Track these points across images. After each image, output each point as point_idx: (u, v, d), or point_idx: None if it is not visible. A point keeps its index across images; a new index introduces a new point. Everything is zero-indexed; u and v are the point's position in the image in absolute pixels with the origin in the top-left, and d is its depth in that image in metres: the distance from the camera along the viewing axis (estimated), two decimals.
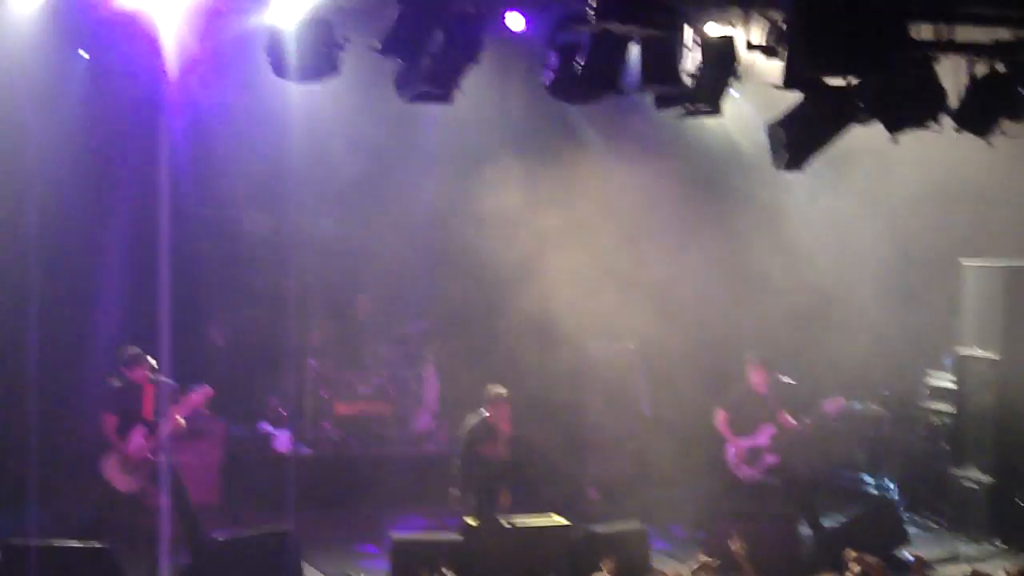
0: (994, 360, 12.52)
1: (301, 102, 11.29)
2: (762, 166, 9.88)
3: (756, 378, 11.73)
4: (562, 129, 12.95)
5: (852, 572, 8.42)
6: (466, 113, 10.28)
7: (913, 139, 8.93)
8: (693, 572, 7.55)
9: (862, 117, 8.39)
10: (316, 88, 9.43)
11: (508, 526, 10.53)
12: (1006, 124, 8.14)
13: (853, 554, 8.54)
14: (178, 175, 13.14)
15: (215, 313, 14.33)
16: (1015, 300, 12.44)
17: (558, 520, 10.74)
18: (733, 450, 11.77)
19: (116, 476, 10.30)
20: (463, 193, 12.55)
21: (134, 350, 10.52)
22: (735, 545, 8.47)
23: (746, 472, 11.72)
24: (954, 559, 11.42)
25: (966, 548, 11.88)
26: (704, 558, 7.87)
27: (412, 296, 14.07)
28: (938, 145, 10.81)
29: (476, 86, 8.88)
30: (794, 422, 11.63)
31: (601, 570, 8.41)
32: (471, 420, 11.04)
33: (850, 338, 13.06)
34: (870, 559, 8.45)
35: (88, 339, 12.85)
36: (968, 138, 8.66)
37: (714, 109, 9.01)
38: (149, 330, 10.65)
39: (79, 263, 12.91)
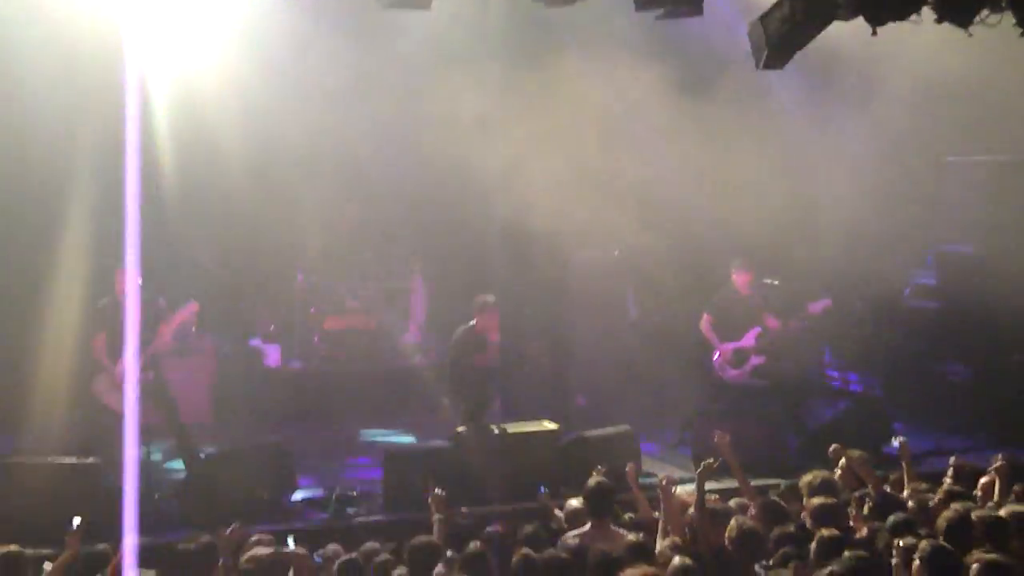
0: (974, 255, 12.62)
1: (278, 15, 11.15)
2: (745, 68, 9.83)
3: (741, 281, 11.79)
4: (543, 32, 12.82)
5: (839, 468, 8.55)
6: (445, 18, 10.17)
7: (895, 40, 8.86)
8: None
9: (843, 13, 8.31)
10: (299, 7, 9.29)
11: (499, 432, 10.64)
12: (986, 14, 8.07)
13: (837, 448, 8.67)
14: (156, 102, 13.05)
15: (203, 234, 14.30)
16: (995, 195, 12.51)
17: (548, 426, 10.86)
18: (719, 353, 11.88)
19: (107, 394, 10.35)
20: (445, 99, 12.43)
21: (123, 267, 10.50)
22: (720, 440, 8.58)
23: (732, 374, 11.84)
24: (937, 452, 11.59)
25: (949, 441, 12.06)
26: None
27: (398, 207, 14.02)
28: (920, 44, 10.79)
29: None
30: (779, 323, 11.73)
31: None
32: (460, 330, 11.09)
33: (834, 238, 13.11)
34: (854, 453, 8.58)
35: (70, 261, 12.80)
36: (949, 32, 8.59)
37: (695, 9, 8.92)
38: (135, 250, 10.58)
39: (57, 185, 12.82)
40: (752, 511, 7.64)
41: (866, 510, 7.61)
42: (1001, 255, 12.56)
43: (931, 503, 7.63)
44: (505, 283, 12.74)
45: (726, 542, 6.95)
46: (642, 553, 6.93)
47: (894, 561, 6.35)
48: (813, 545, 6.72)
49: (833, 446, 8.75)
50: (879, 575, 6.31)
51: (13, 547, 7.20)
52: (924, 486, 8.25)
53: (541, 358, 14.07)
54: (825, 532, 6.79)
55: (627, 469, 8.60)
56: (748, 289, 11.80)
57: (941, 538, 6.63)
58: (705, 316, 11.94)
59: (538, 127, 11.94)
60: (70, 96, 12.34)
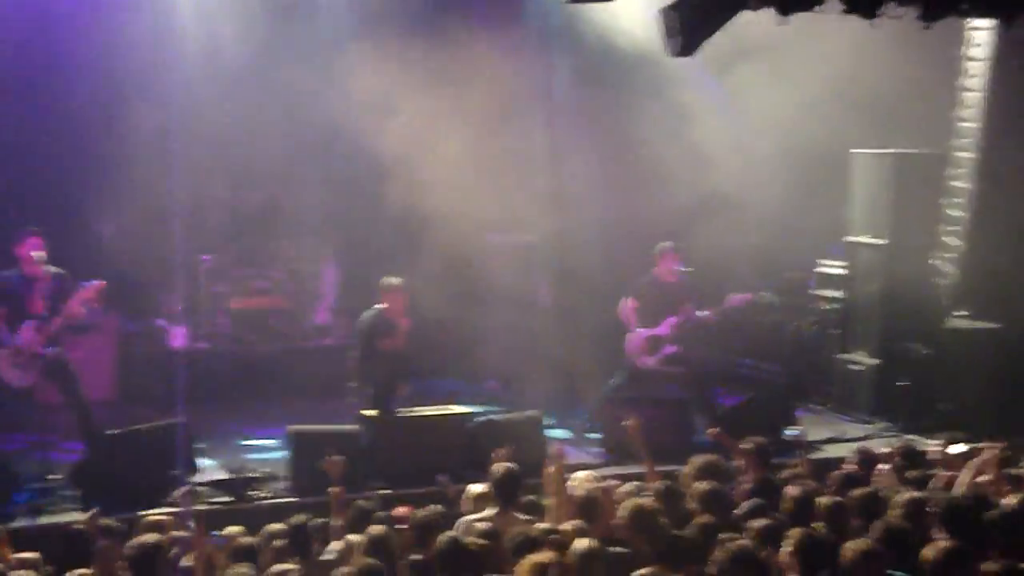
0: (882, 245, 12.85)
1: None
2: (657, 58, 9.89)
3: (665, 266, 11.79)
4: (453, 16, 12.78)
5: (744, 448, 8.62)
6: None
7: (806, 33, 8.97)
8: None
9: (753, 2, 8.40)
10: None
11: (406, 416, 10.60)
12: (891, 7, 8.20)
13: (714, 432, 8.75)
14: (62, 68, 12.76)
15: (103, 209, 14.03)
16: (902, 187, 12.73)
17: (456, 409, 10.84)
18: (634, 340, 11.91)
19: (7, 371, 10.10)
20: (349, 79, 12.34)
21: (29, 229, 10.25)
22: (629, 425, 8.63)
23: (646, 361, 11.89)
24: (839, 439, 11.80)
25: (851, 428, 12.28)
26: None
27: (306, 188, 13.87)
28: (831, 39, 10.94)
29: None
30: (697, 314, 11.77)
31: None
32: (368, 313, 11.01)
33: (746, 229, 13.26)
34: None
35: None
36: (858, 27, 8.71)
37: None
38: (37, 226, 10.33)
39: None
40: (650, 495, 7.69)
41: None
42: (906, 246, 12.82)
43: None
44: (415, 265, 12.70)
45: (621, 523, 6.97)
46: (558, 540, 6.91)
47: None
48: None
49: (712, 430, 8.84)
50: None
51: None
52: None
53: (452, 341, 14.08)
54: (705, 518, 6.86)
55: (553, 451, 8.51)
56: (673, 275, 11.81)
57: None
58: (629, 300, 11.90)
59: (444, 107, 11.89)
60: None
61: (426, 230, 12.38)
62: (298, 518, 7.22)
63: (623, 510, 6.93)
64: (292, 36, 12.68)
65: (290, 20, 12.48)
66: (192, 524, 7.07)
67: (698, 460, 8.11)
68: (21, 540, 7.65)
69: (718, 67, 12.10)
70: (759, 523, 6.71)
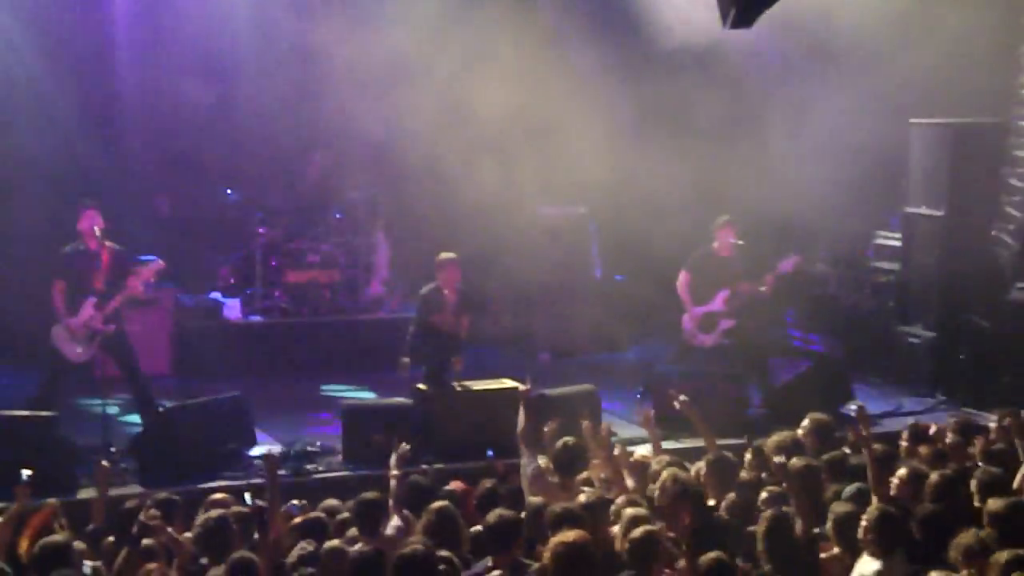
0: (939, 217, 12.64)
1: None
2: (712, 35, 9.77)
3: (725, 238, 11.67)
4: None
5: (803, 428, 8.55)
6: None
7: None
8: None
9: None
10: None
11: (459, 390, 10.60)
12: None
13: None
14: (120, 47, 12.87)
15: (162, 184, 14.16)
16: (960, 158, 12.51)
17: (509, 383, 10.82)
18: (691, 319, 11.82)
19: (66, 345, 10.21)
20: (409, 55, 12.32)
21: (86, 201, 10.35)
22: (680, 403, 8.58)
23: (703, 339, 11.80)
24: (897, 413, 11.67)
25: (909, 402, 12.13)
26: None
27: (360, 161, 13.88)
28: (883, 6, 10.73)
29: None
30: (749, 285, 11.66)
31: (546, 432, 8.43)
32: (424, 288, 11.02)
33: (799, 199, 13.10)
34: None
35: (33, 211, 12.65)
36: None
37: None
38: (95, 203, 10.42)
39: (23, 136, 12.64)
40: (703, 469, 7.67)
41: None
42: (965, 217, 12.61)
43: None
44: (471, 237, 12.69)
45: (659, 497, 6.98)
46: (597, 510, 6.92)
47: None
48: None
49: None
50: None
51: None
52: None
53: (504, 315, 14.08)
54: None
55: (600, 429, 8.50)
56: (728, 249, 11.71)
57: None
58: (683, 274, 11.78)
59: (493, 77, 11.82)
60: (40, 41, 12.19)
61: (478, 202, 12.34)
62: (367, 495, 7.20)
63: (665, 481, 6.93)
64: (344, 9, 12.65)
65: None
66: (268, 493, 7.09)
67: (777, 437, 8.08)
68: (80, 513, 7.75)
69: (774, 39, 11.91)
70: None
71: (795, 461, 7.28)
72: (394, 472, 7.41)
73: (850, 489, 7.28)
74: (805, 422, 8.53)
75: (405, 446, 7.64)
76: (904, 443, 8.51)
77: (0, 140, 12.48)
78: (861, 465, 7.56)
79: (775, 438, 8.17)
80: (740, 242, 11.78)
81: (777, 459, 7.27)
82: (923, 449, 8.23)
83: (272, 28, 12.88)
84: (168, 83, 13.33)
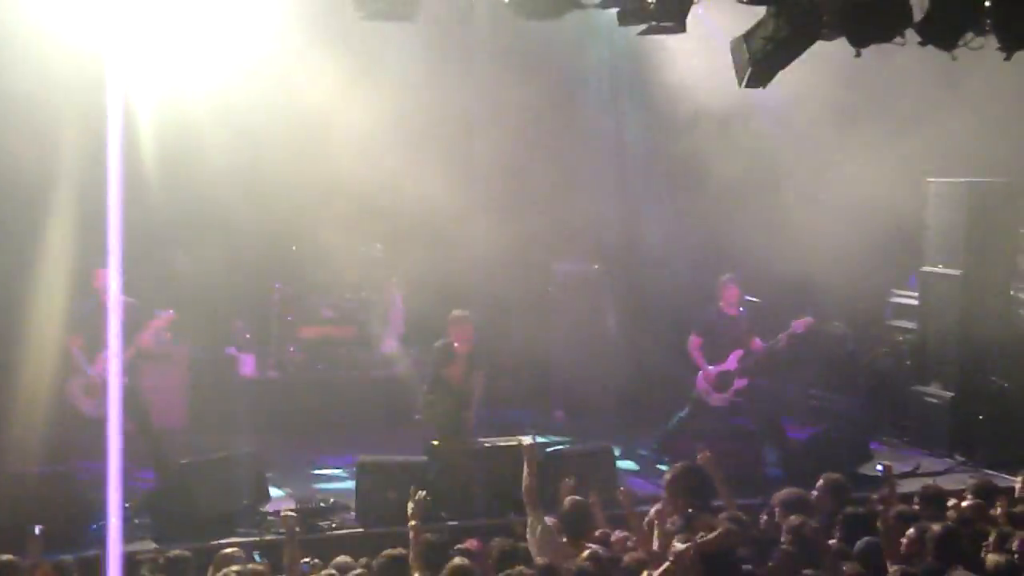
0: (956, 276, 12.61)
1: (264, 33, 11.11)
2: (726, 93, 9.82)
3: (729, 296, 11.71)
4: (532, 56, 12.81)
5: (817, 488, 8.47)
6: (432, 29, 10.11)
7: (879, 62, 8.85)
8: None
9: (827, 33, 8.31)
10: (281, 16, 9.19)
11: (472, 447, 10.56)
12: (970, 37, 8.06)
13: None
14: (139, 99, 12.95)
15: (180, 239, 14.21)
16: (977, 217, 12.51)
17: (525, 440, 10.75)
18: (704, 377, 11.80)
19: (81, 399, 10.23)
20: (424, 113, 12.41)
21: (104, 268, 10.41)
22: (701, 459, 8.51)
23: (716, 398, 11.78)
24: (914, 474, 11.57)
25: (927, 463, 12.03)
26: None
27: (375, 219, 13.92)
28: (906, 68, 10.77)
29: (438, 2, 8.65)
30: (763, 344, 11.66)
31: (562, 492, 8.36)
32: (436, 344, 11.03)
33: (815, 257, 13.10)
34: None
35: (44, 265, 12.68)
36: (935, 55, 8.58)
37: (678, 26, 8.86)
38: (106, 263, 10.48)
39: (35, 189, 12.70)
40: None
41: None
42: (982, 277, 12.57)
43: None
44: (484, 295, 12.70)
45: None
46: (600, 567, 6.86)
47: None
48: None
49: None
50: None
51: (6, 556, 7.12)
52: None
53: (519, 371, 14.05)
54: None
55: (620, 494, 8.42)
56: (735, 308, 11.74)
57: None
58: (693, 337, 11.86)
59: (510, 138, 11.87)
60: (53, 100, 12.25)
61: (493, 259, 12.37)
62: (391, 552, 7.14)
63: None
64: (365, 73, 12.74)
65: (362, 58, 12.52)
66: (287, 553, 7.05)
67: (783, 493, 8.00)
68: (90, 570, 7.71)
69: (791, 99, 11.98)
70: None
71: (793, 518, 7.25)
72: (412, 523, 7.34)
73: (859, 545, 7.22)
74: (819, 482, 8.47)
75: (422, 494, 7.58)
76: (916, 506, 8.42)
77: (22, 205, 12.51)
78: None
79: (781, 495, 8.09)
80: (756, 300, 11.78)
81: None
82: (950, 513, 8.14)
83: (291, 85, 12.98)
84: (187, 137, 13.42)
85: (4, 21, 10.70)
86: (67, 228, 12.50)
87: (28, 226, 12.43)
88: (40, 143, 12.38)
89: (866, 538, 7.27)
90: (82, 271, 10.72)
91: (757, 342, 11.73)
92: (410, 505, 7.44)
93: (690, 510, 7.34)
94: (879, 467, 9.44)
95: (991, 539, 7.12)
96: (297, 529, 7.41)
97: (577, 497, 7.86)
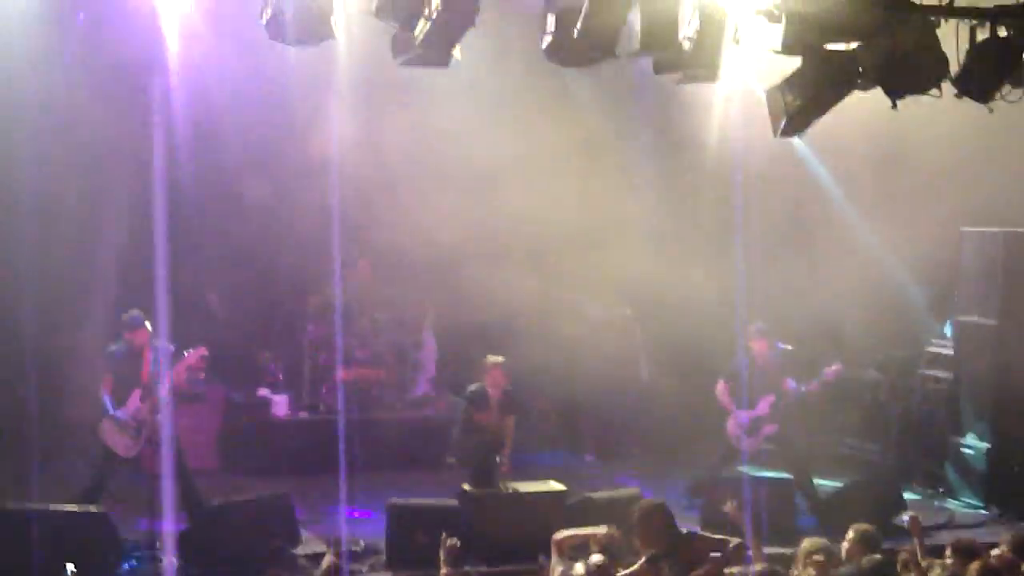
0: (992, 326, 12.52)
1: (298, 67, 11.22)
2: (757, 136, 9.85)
3: (758, 348, 11.70)
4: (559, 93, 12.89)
5: (847, 539, 8.41)
6: (462, 77, 10.20)
7: (915, 107, 8.86)
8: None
9: (862, 83, 8.33)
10: (312, 53, 9.31)
11: (505, 492, 10.55)
12: (1007, 90, 8.06)
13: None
14: (176, 140, 13.09)
15: (213, 280, 14.32)
16: (1013, 267, 12.44)
17: (555, 486, 10.75)
18: (733, 422, 11.76)
19: (114, 439, 10.29)
20: (458, 159, 12.48)
21: (135, 312, 10.51)
22: (730, 508, 8.47)
23: (746, 442, 11.73)
24: (948, 526, 11.44)
25: (962, 515, 11.90)
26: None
27: (410, 263, 13.99)
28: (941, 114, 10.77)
29: (473, 50, 8.76)
30: (795, 385, 11.62)
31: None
32: (470, 388, 11.09)
33: (850, 305, 13.06)
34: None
35: (87, 305, 12.81)
36: (965, 104, 8.59)
37: (712, 75, 8.92)
38: (147, 297, 10.59)
39: (76, 231, 12.84)
40: None
41: None
42: (1017, 326, 12.48)
43: None
44: (519, 340, 12.72)
45: None
46: None
47: None
48: None
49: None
50: None
51: None
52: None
53: (551, 415, 14.04)
54: None
55: None
56: (764, 357, 11.73)
57: None
58: (721, 384, 11.85)
59: (559, 187, 11.93)
60: (95, 146, 12.43)
61: (523, 303, 12.41)
62: None
63: None
64: (400, 113, 12.85)
65: (396, 97, 12.63)
66: None
67: (808, 544, 7.94)
68: None
69: (823, 146, 12.01)
70: None
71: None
72: (444, 571, 7.32)
73: None
74: (850, 533, 8.40)
75: (454, 540, 7.56)
76: (948, 560, 8.32)
77: (50, 242, 12.65)
78: None
79: (806, 544, 8.03)
80: (788, 347, 11.75)
81: None
82: (974, 566, 8.04)
83: (325, 123, 13.08)
84: (222, 176, 13.53)
85: None
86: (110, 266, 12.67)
87: (75, 254, 12.62)
88: (84, 192, 12.57)
89: None
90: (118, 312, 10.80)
91: (789, 382, 11.70)
92: (441, 552, 7.43)
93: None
94: (904, 518, 9.38)
95: None
96: None
97: (602, 559, 7.77)
